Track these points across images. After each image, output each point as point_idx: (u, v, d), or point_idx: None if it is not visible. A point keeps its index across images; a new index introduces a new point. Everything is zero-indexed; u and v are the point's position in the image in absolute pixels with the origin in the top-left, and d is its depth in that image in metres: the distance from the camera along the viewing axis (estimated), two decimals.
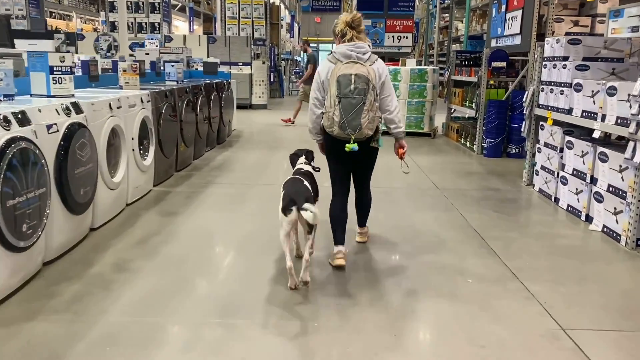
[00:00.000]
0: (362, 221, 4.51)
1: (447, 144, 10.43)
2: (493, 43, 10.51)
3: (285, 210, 3.43)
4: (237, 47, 16.16)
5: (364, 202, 4.38)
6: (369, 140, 3.88)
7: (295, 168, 4.18)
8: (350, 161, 4.02)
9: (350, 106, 3.60)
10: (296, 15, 29.49)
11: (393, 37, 15.93)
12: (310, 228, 3.47)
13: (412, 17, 16.13)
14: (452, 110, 11.23)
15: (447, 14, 22.44)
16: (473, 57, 10.38)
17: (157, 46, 13.24)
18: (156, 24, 19.74)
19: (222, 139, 9.77)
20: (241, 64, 16.22)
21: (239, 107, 16.11)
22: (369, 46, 3.87)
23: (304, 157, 4.30)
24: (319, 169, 4.22)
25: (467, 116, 10.83)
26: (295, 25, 28.48)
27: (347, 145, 3.68)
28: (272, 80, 20.56)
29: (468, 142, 9.70)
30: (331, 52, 3.96)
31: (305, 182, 3.68)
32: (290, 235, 3.55)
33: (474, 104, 9.52)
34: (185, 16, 23.56)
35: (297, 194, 3.47)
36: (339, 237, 4.02)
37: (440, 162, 8.53)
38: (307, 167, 4.13)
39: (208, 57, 16.18)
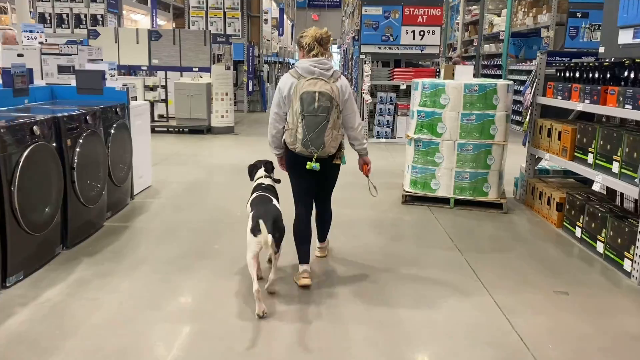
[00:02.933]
0: (322, 236, 4.21)
1: (543, 234, 5.15)
2: (623, 39, 5.15)
3: (255, 231, 3.20)
4: (191, 46, 10.94)
5: (325, 218, 4.09)
6: (332, 158, 3.69)
7: (256, 183, 3.88)
8: (313, 177, 3.74)
9: (314, 124, 3.42)
10: (289, 10, 24.24)
11: (413, 32, 10.69)
12: (277, 248, 3.32)
13: (441, 5, 10.87)
14: (535, 158, 6.01)
15: (475, 6, 17.21)
16: (597, 67, 5.09)
17: (42, 43, 8.14)
18: (99, 17, 14.61)
19: (85, 232, 4.51)
20: (197, 69, 11.01)
21: (194, 132, 10.97)
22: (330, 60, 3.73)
23: (263, 168, 3.98)
24: (280, 180, 3.95)
25: (593, 183, 5.65)
26: (287, 21, 23.23)
27: (308, 163, 3.54)
28: (250, 89, 15.34)
29: (603, 246, 4.44)
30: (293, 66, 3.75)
31: (274, 202, 3.49)
32: (257, 259, 3.35)
33: (620, 162, 4.31)
34: (147, 9, 18.32)
35: (265, 215, 3.23)
36: (303, 255, 3.81)
37: (577, 331, 3.31)
38: (268, 181, 3.88)
39: (150, 60, 11.00)
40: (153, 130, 11.22)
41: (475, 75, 13.54)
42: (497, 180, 5.72)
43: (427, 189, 5.87)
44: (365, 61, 10.50)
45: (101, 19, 14.42)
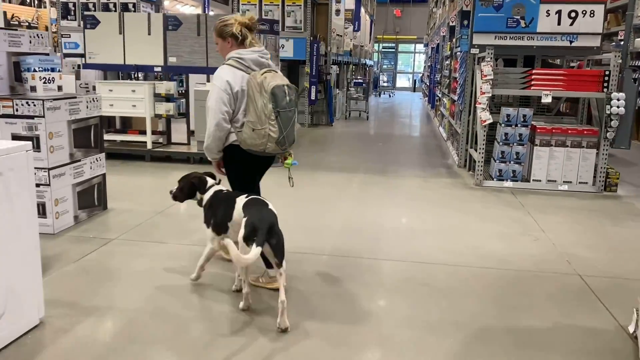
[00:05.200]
0: None
1: None
2: None
3: (248, 240, 2.80)
4: None
5: None
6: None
7: (213, 191, 3.32)
8: (259, 175, 3.57)
9: (288, 120, 3.18)
10: (367, 3, 20.43)
11: (559, 13, 6.57)
12: (280, 260, 2.89)
13: None
14: None
15: None
16: None
17: None
18: (130, 5, 11.60)
19: None
20: None
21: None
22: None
23: (210, 179, 3.42)
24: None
25: None
26: (365, 15, 19.43)
27: (286, 163, 3.45)
28: (314, 97, 11.69)
29: None
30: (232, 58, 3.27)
31: (270, 206, 3.03)
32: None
33: None
34: None
35: (261, 222, 2.83)
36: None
37: None
38: (223, 187, 3.40)
39: (166, 57, 7.62)
40: (169, 159, 7.82)
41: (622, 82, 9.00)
42: None
43: None
44: (482, 58, 6.54)
45: (133, 9, 11.39)
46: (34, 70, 4.28)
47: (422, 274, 3.73)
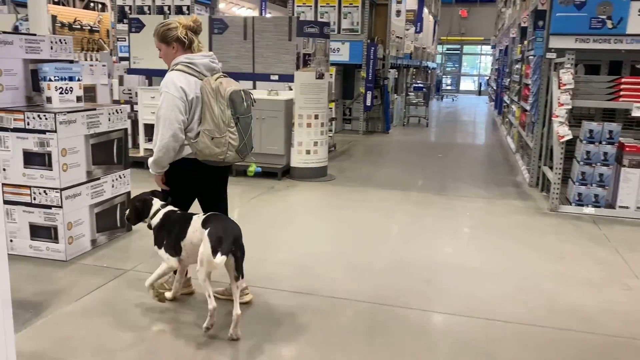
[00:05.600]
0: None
1: None
2: None
3: (215, 252, 2.70)
4: (270, 42, 6.90)
5: None
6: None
7: (163, 214, 3.04)
8: (219, 188, 3.29)
9: (247, 126, 2.99)
10: (431, 4, 19.47)
11: None
12: (239, 274, 2.83)
13: None
14: None
15: None
16: None
17: None
18: (185, 8, 11.47)
19: None
20: (277, 77, 6.95)
21: (268, 174, 6.90)
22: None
23: (157, 199, 3.12)
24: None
25: None
26: (428, 16, 18.50)
27: (249, 171, 3.30)
28: (369, 103, 11.01)
29: None
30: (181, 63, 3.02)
31: (232, 219, 2.97)
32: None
33: None
34: (255, 0, 14.87)
35: (226, 233, 2.77)
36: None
37: None
38: (174, 208, 3.12)
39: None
40: None
41: None
42: None
43: None
44: (560, 64, 5.66)
45: (187, 12, 11.19)
46: (50, 80, 3.89)
47: (483, 336, 3.00)
